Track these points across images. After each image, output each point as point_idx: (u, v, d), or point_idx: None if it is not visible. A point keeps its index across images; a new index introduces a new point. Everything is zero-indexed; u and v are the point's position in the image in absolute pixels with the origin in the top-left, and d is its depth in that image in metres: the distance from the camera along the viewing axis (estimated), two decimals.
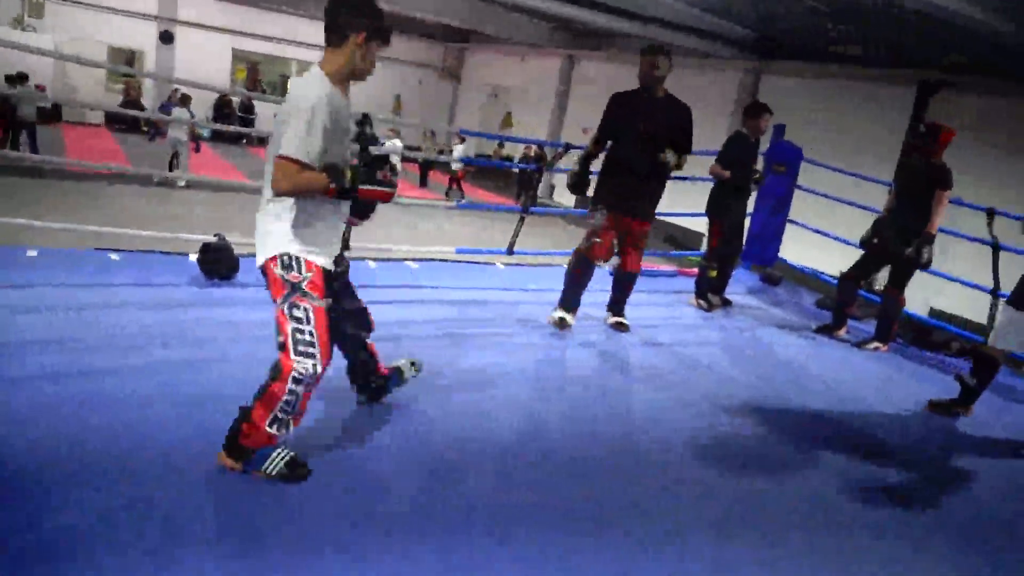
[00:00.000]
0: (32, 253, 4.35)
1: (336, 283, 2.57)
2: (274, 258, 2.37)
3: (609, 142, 4.60)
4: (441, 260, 5.84)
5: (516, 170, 16.35)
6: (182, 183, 9.97)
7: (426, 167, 16.87)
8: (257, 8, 18.48)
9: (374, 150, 2.85)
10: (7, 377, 2.82)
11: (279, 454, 2.45)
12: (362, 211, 2.58)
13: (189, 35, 18.52)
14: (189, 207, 9.84)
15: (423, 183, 16.55)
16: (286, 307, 2.37)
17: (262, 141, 18.60)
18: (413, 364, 3.22)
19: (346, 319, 2.75)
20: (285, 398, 2.37)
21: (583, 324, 4.72)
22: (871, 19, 9.47)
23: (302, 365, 2.36)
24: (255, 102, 18.81)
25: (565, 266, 6.36)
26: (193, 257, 4.63)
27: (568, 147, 5.62)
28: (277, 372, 2.37)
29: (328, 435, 2.80)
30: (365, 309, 2.88)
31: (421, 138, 19.46)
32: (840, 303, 5.43)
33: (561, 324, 4.54)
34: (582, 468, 2.90)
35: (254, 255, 4.89)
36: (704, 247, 5.95)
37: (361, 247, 5.09)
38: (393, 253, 5.54)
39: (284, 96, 2.55)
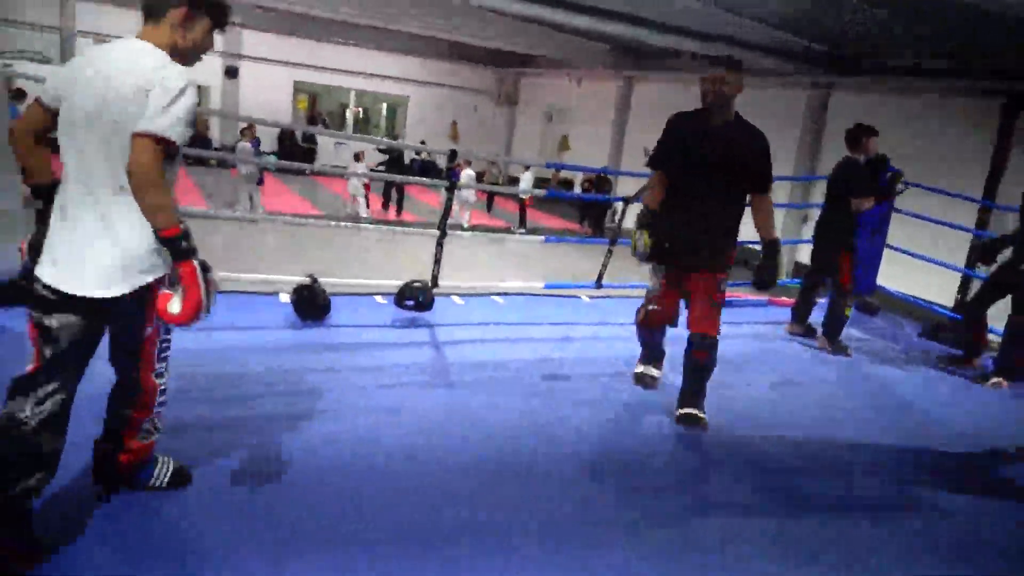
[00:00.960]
0: None
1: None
2: (162, 279, 2.06)
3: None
4: (529, 294, 5.69)
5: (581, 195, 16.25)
6: (257, 218, 10.11)
7: (492, 194, 17.04)
8: (317, 40, 18.88)
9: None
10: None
11: (163, 464, 2.39)
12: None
13: (253, 69, 19.00)
14: (268, 242, 9.97)
15: (489, 208, 16.68)
16: (163, 326, 2.17)
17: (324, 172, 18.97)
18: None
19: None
20: (155, 412, 2.26)
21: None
22: (950, 28, 9.10)
23: (163, 380, 2.26)
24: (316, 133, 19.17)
25: None
26: (285, 298, 4.59)
27: None
28: (138, 394, 2.21)
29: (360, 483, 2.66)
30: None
31: (486, 165, 19.42)
32: (969, 333, 5.16)
33: (642, 380, 3.98)
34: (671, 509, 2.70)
35: (349, 294, 4.91)
36: (793, 276, 5.66)
37: (450, 286, 5.01)
38: (479, 288, 5.43)
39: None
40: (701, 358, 3.54)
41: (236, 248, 9.39)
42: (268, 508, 2.41)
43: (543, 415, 3.49)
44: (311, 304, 4.44)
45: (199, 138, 17.93)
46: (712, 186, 3.46)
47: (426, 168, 18.96)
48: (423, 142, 18.52)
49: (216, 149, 17.95)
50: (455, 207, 14.51)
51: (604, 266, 5.44)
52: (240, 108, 18.61)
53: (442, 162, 19.87)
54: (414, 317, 4.71)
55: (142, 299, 2.05)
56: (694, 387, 3.60)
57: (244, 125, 13.66)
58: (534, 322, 5.09)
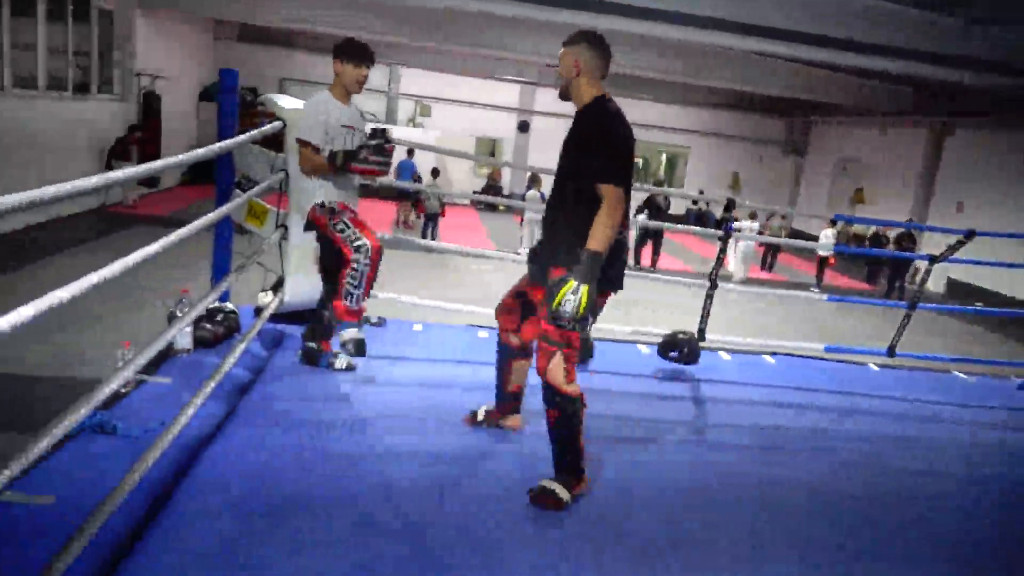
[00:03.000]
0: (417, 327, 4.80)
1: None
2: (314, 207, 3.46)
3: None
4: (806, 356, 5.23)
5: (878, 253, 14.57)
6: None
7: (774, 250, 15.22)
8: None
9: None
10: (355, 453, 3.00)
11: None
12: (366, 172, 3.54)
13: (543, 123, 20.30)
14: None
15: (768, 267, 15.28)
16: (331, 227, 3.44)
17: None
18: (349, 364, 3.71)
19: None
20: (348, 278, 3.39)
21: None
22: None
23: (356, 253, 3.38)
24: None
25: (961, 375, 5.37)
26: None
27: (972, 234, 4.69)
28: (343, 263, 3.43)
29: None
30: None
31: (767, 218, 18.31)
32: None
33: (472, 417, 3.32)
34: None
35: (613, 340, 4.92)
36: None
37: (718, 340, 4.79)
38: (748, 345, 5.11)
39: None
40: (549, 417, 2.73)
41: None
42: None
43: (823, 490, 3.13)
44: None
45: (492, 185, 19.59)
46: (556, 189, 2.84)
47: (701, 218, 18.61)
48: (701, 192, 18.23)
49: (506, 196, 19.43)
50: (733, 260, 13.97)
51: (899, 332, 4.81)
52: (529, 159, 19.97)
53: (718, 211, 19.34)
54: (678, 370, 4.57)
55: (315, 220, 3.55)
56: (555, 453, 2.75)
57: (529, 175, 14.63)
58: (810, 387, 4.64)
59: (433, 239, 12.50)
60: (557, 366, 2.67)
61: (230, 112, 4.04)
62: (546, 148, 20.42)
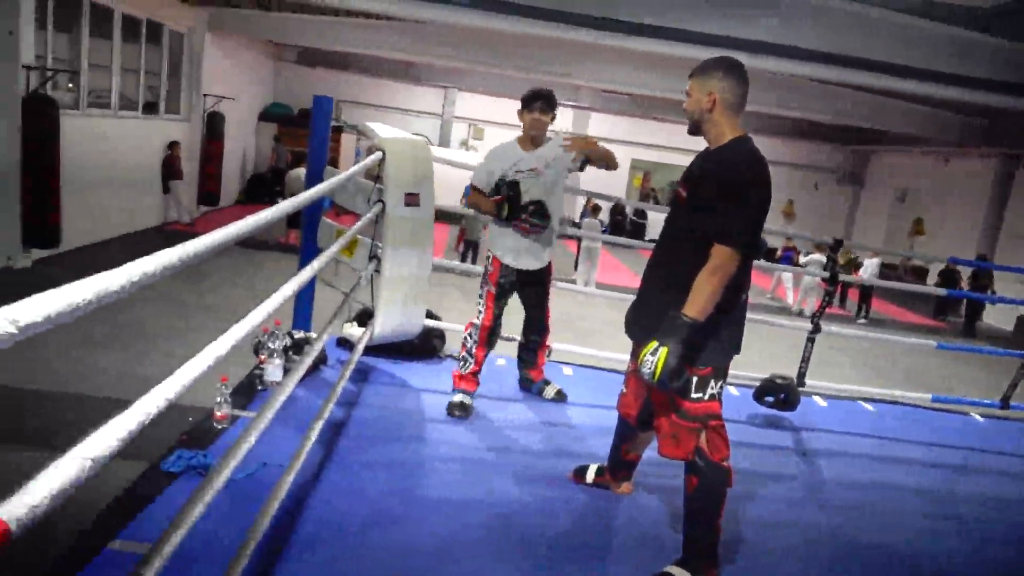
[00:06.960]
0: (501, 362, 4.64)
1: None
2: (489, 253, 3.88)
3: None
4: (907, 405, 4.95)
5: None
6: (587, 287, 10.54)
7: (844, 285, 14.43)
8: (654, 120, 19.43)
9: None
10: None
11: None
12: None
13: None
14: (600, 315, 10.30)
15: (841, 301, 14.12)
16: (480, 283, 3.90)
17: (652, 242, 19.25)
18: (558, 392, 4.10)
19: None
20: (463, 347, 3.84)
21: None
22: None
23: (472, 328, 3.83)
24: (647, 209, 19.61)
25: None
26: None
27: None
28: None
29: None
30: (537, 316, 4.02)
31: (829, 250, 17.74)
32: None
33: (576, 475, 3.06)
34: None
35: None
36: None
37: (816, 385, 4.53)
38: (848, 391, 4.83)
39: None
40: (689, 485, 2.41)
41: (567, 318, 9.77)
42: None
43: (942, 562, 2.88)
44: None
45: None
46: (673, 226, 2.54)
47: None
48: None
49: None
50: (791, 292, 13.60)
51: (1014, 384, 4.50)
52: (580, 184, 19.83)
53: (771, 242, 18.95)
54: (774, 416, 4.33)
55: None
56: (687, 531, 2.44)
57: (585, 200, 14.42)
58: (916, 440, 4.35)
59: (474, 263, 12.33)
60: (707, 444, 2.37)
61: (323, 139, 3.98)
62: (597, 172, 20.27)
